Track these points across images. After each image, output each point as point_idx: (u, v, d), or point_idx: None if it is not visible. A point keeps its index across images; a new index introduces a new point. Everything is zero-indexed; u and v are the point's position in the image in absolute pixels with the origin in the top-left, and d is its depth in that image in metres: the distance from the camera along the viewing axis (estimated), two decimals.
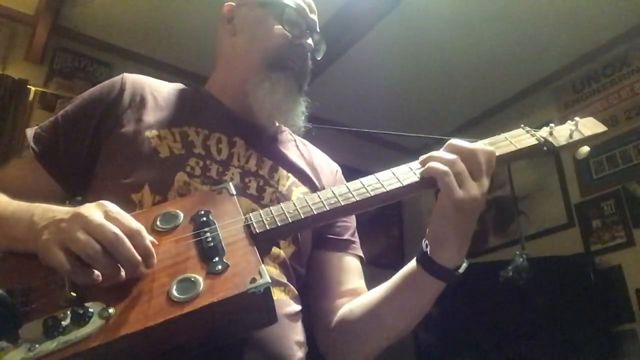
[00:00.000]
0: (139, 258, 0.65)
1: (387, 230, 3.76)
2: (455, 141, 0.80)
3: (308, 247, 0.97)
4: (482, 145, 0.81)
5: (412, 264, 0.83)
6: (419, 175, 0.80)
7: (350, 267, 1.01)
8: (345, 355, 0.94)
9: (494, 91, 3.41)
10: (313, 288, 0.98)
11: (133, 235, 0.65)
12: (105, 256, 0.63)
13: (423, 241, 0.81)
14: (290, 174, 0.98)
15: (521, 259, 0.84)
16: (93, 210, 0.66)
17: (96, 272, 0.64)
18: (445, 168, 0.76)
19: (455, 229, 0.76)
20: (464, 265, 0.80)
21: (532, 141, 0.87)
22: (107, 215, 0.66)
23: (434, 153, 0.80)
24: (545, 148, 0.87)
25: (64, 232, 0.65)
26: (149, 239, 0.67)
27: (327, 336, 0.94)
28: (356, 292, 0.96)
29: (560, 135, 0.90)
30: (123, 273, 0.65)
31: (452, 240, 0.77)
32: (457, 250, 0.78)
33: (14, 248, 0.72)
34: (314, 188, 1.00)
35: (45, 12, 2.64)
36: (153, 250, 0.67)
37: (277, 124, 1.06)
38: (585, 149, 0.91)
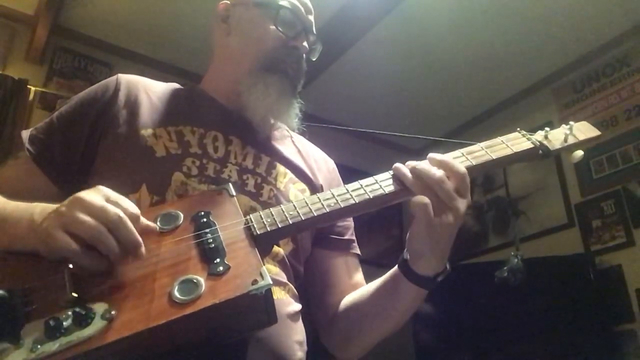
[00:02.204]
0: (140, 240, 0.66)
1: (387, 230, 3.76)
2: (440, 159, 0.81)
3: (307, 245, 0.98)
4: (458, 164, 0.81)
5: (395, 269, 0.86)
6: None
7: (352, 266, 1.04)
8: (345, 346, 0.97)
9: (494, 91, 3.41)
10: (315, 286, 1.01)
11: (134, 218, 0.67)
12: (110, 237, 0.64)
13: (405, 250, 0.83)
14: (287, 171, 0.99)
15: (516, 260, 0.86)
16: (93, 194, 0.67)
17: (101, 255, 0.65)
18: (424, 200, 0.76)
19: (432, 247, 0.79)
20: (447, 270, 0.83)
21: (527, 145, 0.89)
22: (108, 199, 0.67)
23: (419, 167, 0.79)
24: (540, 152, 0.89)
25: (66, 216, 0.65)
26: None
27: (328, 331, 0.98)
28: (356, 287, 1.00)
29: (555, 139, 0.92)
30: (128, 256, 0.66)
31: (429, 256, 0.80)
32: (435, 262, 0.81)
33: (14, 247, 0.72)
34: (310, 184, 1.00)
35: (45, 12, 2.64)
36: (152, 224, 0.71)
37: (273, 121, 1.06)
38: (579, 153, 0.93)
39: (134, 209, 0.68)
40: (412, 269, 0.81)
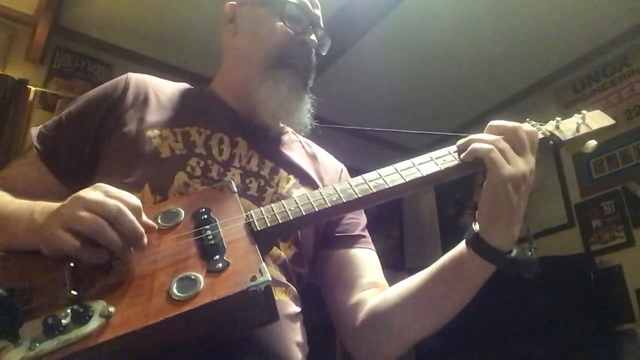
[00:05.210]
0: (142, 229, 0.66)
1: (387, 230, 3.75)
2: (496, 122, 0.79)
3: (310, 247, 0.96)
4: (507, 123, 0.79)
5: (459, 247, 0.80)
6: (422, 172, 0.78)
7: (366, 260, 0.98)
8: (376, 349, 0.89)
9: (494, 91, 3.41)
10: (331, 288, 0.96)
11: (134, 209, 0.67)
12: (111, 230, 0.64)
13: (472, 223, 0.78)
14: (291, 176, 0.97)
15: (530, 252, 0.80)
16: (91, 191, 0.68)
17: (103, 250, 0.65)
18: (489, 146, 0.74)
19: (506, 205, 0.74)
20: (515, 251, 0.77)
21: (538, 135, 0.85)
22: (107, 194, 0.67)
23: (474, 135, 0.78)
24: (551, 142, 0.85)
25: (66, 215, 0.66)
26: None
27: (355, 332, 0.90)
28: (379, 285, 0.93)
29: (567, 129, 0.88)
30: (131, 248, 0.66)
31: (504, 219, 0.74)
32: (508, 230, 0.75)
33: (15, 245, 0.73)
34: (316, 189, 0.99)
35: (45, 12, 2.64)
36: (152, 222, 0.70)
37: (281, 125, 1.06)
38: (592, 143, 0.88)
39: (134, 200, 0.68)
40: (485, 239, 0.75)
